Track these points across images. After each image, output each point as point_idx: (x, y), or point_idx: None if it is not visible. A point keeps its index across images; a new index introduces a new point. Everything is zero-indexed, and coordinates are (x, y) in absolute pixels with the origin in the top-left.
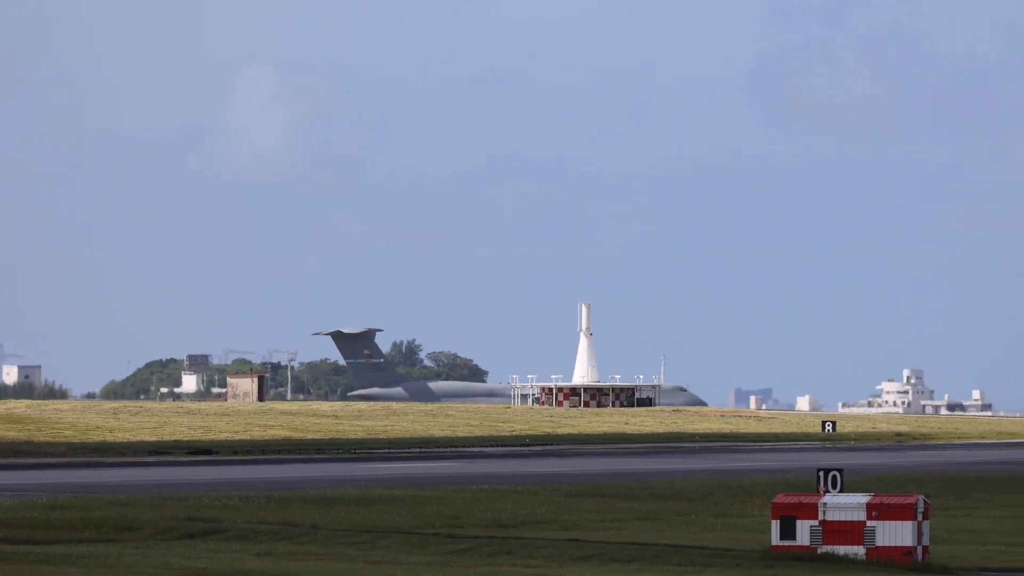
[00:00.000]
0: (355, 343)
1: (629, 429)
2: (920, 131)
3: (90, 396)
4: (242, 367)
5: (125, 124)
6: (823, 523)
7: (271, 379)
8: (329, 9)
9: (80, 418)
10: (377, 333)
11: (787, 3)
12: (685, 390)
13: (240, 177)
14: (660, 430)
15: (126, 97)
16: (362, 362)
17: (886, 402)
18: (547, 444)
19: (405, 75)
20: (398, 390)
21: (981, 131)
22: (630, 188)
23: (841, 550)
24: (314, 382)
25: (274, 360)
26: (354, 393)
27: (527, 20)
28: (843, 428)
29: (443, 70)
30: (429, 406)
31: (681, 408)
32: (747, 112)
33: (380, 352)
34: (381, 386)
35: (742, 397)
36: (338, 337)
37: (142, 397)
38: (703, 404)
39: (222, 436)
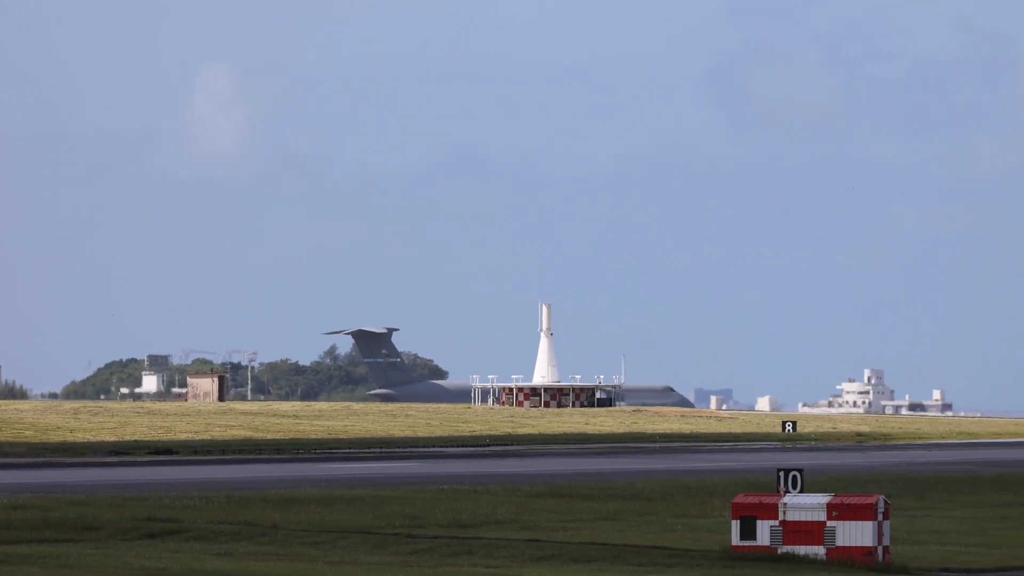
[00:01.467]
0: (375, 342)
1: (589, 429)
2: (878, 131)
3: (51, 396)
4: (202, 367)
5: (84, 123)
6: (783, 523)
7: (231, 379)
8: (288, 8)
9: (40, 418)
10: (394, 333)
11: (745, 3)
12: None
13: (200, 176)
14: (620, 430)
15: (85, 96)
16: (380, 362)
17: (846, 402)
18: (507, 444)
19: (365, 74)
20: (413, 389)
21: (939, 130)
22: (590, 187)
23: (801, 550)
24: (274, 382)
25: (234, 360)
26: (373, 392)
27: (487, 19)
28: (803, 428)
29: (403, 69)
30: (389, 406)
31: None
32: (706, 112)
33: (397, 352)
34: (398, 385)
35: (702, 397)
36: (359, 336)
37: (102, 397)
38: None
39: (182, 436)
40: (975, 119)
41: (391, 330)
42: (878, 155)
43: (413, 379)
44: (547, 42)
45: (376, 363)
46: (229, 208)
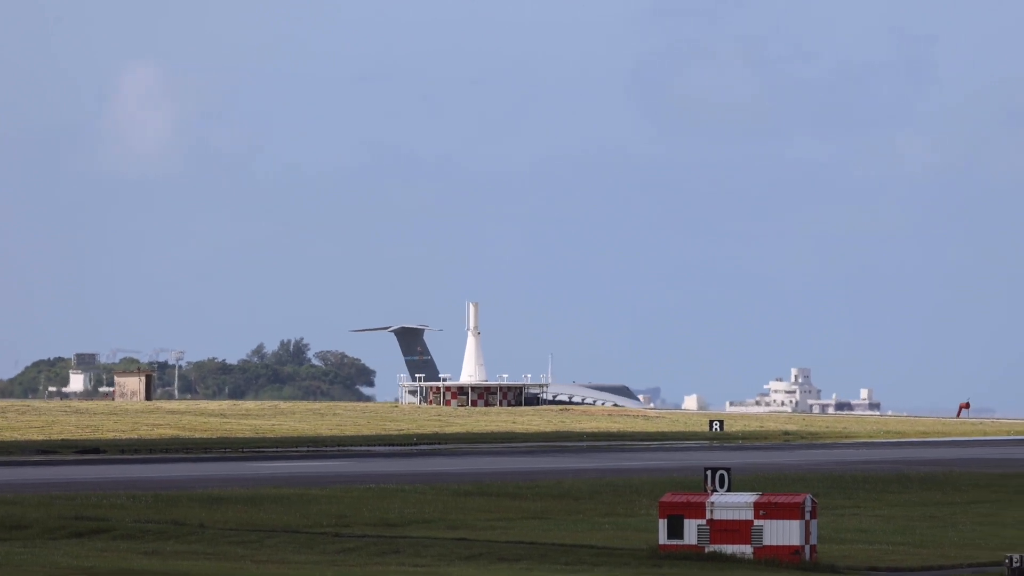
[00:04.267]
0: (413, 339)
1: (517, 428)
2: (803, 130)
3: None
4: (129, 366)
5: (6, 121)
6: (711, 522)
7: (158, 378)
8: (212, 6)
9: None
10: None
11: (667, 3)
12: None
13: (124, 174)
14: (548, 429)
15: (5, 93)
16: (416, 359)
17: (774, 401)
18: (435, 443)
19: (288, 72)
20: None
21: (864, 130)
22: (515, 186)
23: (729, 549)
24: (201, 381)
25: (161, 359)
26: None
27: (410, 17)
28: (731, 427)
29: (327, 67)
30: (316, 405)
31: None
32: (629, 111)
33: (428, 350)
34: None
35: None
36: (401, 333)
37: (29, 396)
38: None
39: (110, 435)
40: (900, 119)
41: (423, 327)
42: (803, 154)
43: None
44: (471, 41)
45: (413, 360)
46: (155, 206)
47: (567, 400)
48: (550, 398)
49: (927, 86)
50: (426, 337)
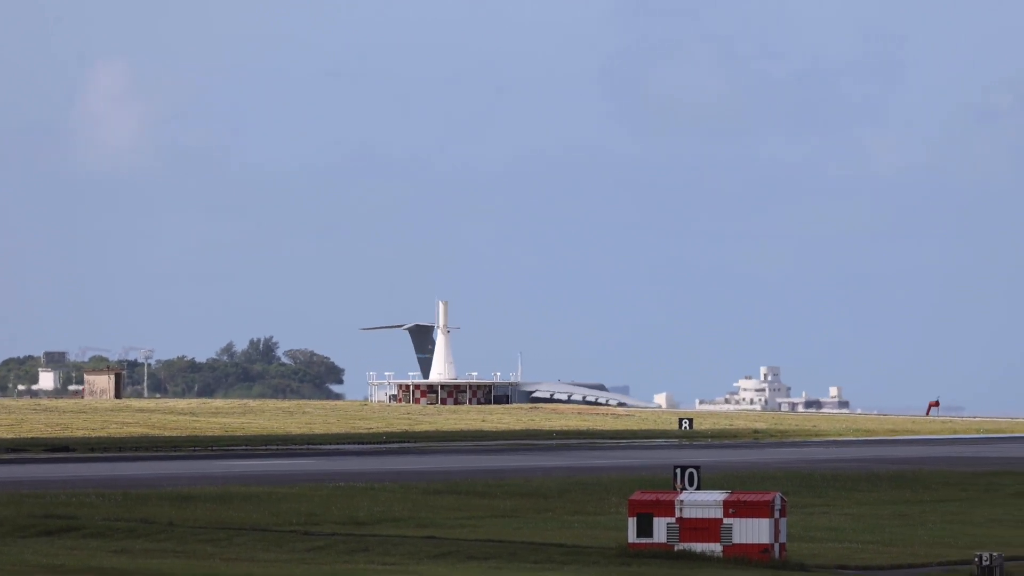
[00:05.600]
0: (425, 337)
1: (486, 426)
2: (773, 129)
3: None
4: (99, 364)
5: None
6: (680, 520)
7: (128, 376)
8: (183, 4)
9: None
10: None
11: (638, 2)
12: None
13: (94, 172)
14: (517, 427)
15: None
16: (427, 357)
17: (743, 399)
18: (404, 441)
19: (259, 70)
20: None
21: (834, 129)
22: (484, 185)
23: (698, 547)
24: (171, 379)
25: (131, 358)
26: None
27: (380, 16)
28: (700, 425)
29: (297, 65)
30: (286, 403)
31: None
32: (600, 110)
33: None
34: None
35: None
36: (415, 331)
37: None
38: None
39: (79, 433)
40: (869, 118)
41: (434, 325)
42: (774, 154)
43: None
44: (440, 39)
45: (426, 358)
46: (125, 204)
47: (566, 399)
48: (547, 396)
49: (896, 85)
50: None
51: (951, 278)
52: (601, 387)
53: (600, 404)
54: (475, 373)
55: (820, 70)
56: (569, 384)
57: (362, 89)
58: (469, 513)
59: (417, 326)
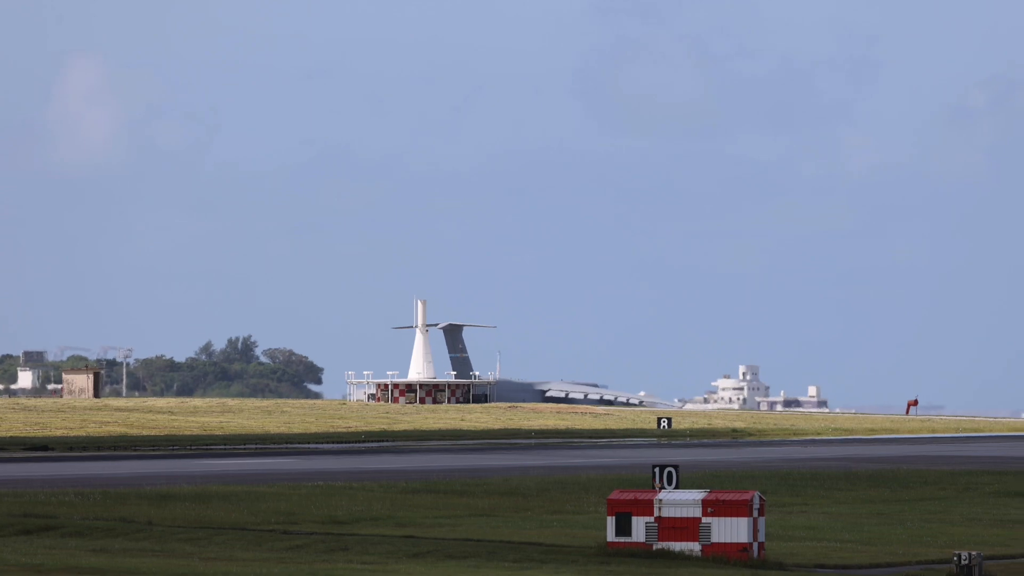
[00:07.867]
0: (458, 336)
1: (465, 425)
2: (748, 128)
3: None
4: (78, 364)
5: None
6: (659, 519)
7: (107, 376)
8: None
9: None
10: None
11: (612, 1)
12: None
13: (71, 171)
14: (496, 426)
15: None
16: (458, 356)
17: (722, 398)
18: (383, 440)
19: (236, 70)
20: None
21: (808, 128)
22: (460, 184)
23: (677, 546)
24: (150, 379)
25: (110, 357)
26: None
27: (355, 15)
28: (679, 424)
29: (274, 65)
30: (264, 402)
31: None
32: (574, 109)
33: (465, 347)
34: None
35: None
36: (449, 330)
37: None
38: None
39: (58, 432)
40: (844, 116)
41: (461, 325)
42: (748, 152)
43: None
44: (415, 39)
45: (456, 357)
46: (101, 203)
47: (582, 398)
48: (562, 395)
49: (870, 84)
50: (464, 335)
51: (929, 277)
52: (595, 386)
53: (622, 403)
54: (453, 372)
55: (794, 69)
56: (584, 384)
57: (338, 89)
58: (448, 512)
59: (451, 325)
